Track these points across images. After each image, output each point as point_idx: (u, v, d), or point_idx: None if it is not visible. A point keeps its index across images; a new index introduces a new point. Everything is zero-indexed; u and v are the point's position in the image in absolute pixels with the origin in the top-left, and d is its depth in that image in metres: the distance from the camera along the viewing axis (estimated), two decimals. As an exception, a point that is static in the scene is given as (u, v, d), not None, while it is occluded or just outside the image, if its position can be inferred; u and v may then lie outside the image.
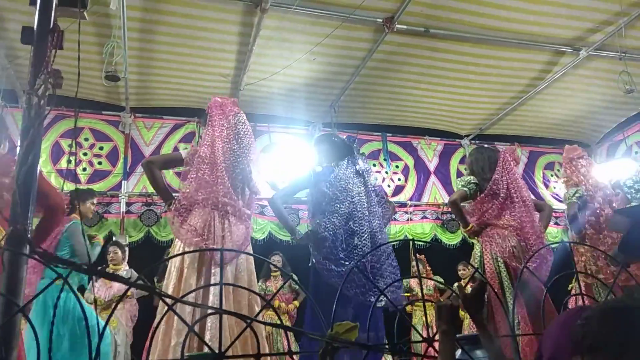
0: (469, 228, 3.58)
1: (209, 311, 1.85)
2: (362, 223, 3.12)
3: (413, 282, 6.52)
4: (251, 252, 3.04)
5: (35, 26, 1.55)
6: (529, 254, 3.28)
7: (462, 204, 3.66)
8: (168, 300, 1.38)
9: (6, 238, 1.34)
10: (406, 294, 6.38)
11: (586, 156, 4.28)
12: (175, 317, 2.47)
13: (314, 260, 3.10)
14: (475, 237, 3.63)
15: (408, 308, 6.34)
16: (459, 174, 7.07)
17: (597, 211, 3.80)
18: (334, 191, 3.19)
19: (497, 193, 3.51)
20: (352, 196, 3.18)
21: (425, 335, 1.73)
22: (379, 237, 3.18)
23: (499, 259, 3.37)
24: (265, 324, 1.60)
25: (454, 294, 1.45)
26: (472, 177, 3.67)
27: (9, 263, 1.33)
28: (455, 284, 6.31)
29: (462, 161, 7.24)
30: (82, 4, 1.67)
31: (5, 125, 2.77)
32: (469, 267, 6.05)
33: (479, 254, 3.50)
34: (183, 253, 2.62)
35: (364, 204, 3.20)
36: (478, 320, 1.41)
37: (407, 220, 6.95)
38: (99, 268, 5.11)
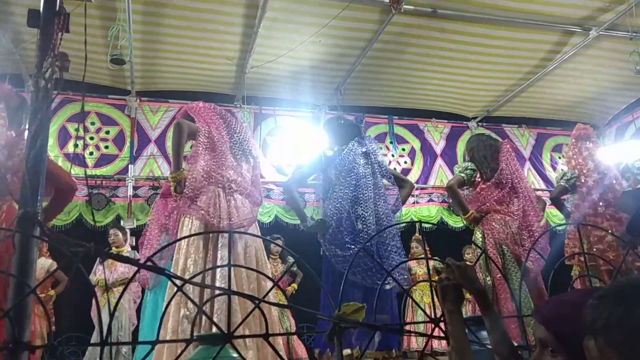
0: (468, 215, 3.59)
1: (217, 292, 1.87)
2: (367, 206, 3.12)
3: (412, 262, 6.53)
4: (257, 230, 3.09)
5: (41, 9, 1.54)
6: (531, 240, 3.32)
7: (460, 191, 3.67)
8: (177, 281, 1.40)
9: (17, 220, 1.35)
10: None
11: (594, 138, 4.22)
12: (183, 296, 2.54)
13: (323, 249, 3.13)
14: (476, 224, 3.64)
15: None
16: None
17: (594, 197, 3.78)
18: (339, 174, 3.20)
19: (503, 183, 3.54)
20: (357, 178, 3.18)
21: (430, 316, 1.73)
22: (385, 219, 3.17)
23: (501, 244, 3.39)
24: (273, 304, 1.62)
25: (449, 269, 1.44)
26: (469, 163, 3.69)
27: (20, 245, 1.34)
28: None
29: (469, 144, 7.19)
30: (87, -14, 1.66)
31: (25, 107, 2.79)
32: (475, 250, 6.05)
33: (480, 239, 3.52)
34: (192, 235, 2.66)
35: (369, 186, 3.20)
36: (482, 300, 1.40)
37: (414, 203, 6.95)
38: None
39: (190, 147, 3.13)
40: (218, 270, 2.64)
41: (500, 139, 4.09)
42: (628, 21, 5.02)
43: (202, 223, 2.81)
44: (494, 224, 3.47)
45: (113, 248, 5.26)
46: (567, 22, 5.21)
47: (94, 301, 4.45)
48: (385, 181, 3.38)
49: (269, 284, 2.85)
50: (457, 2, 4.84)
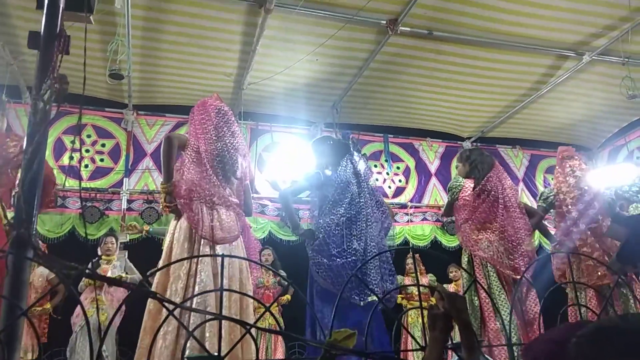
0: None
1: (208, 317, 1.87)
2: (359, 224, 3.17)
3: (407, 280, 6.55)
4: (242, 246, 3.13)
5: (42, 31, 1.57)
6: (515, 256, 3.38)
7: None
8: (169, 306, 1.40)
9: (10, 242, 1.36)
10: (400, 296, 6.43)
11: (577, 158, 4.19)
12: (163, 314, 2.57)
13: (310, 258, 3.17)
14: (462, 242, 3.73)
15: (403, 303, 6.41)
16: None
17: (576, 222, 3.81)
18: (334, 193, 3.24)
19: (489, 191, 3.60)
20: (352, 197, 3.23)
21: (422, 342, 1.74)
22: (375, 240, 3.22)
23: (487, 265, 3.45)
24: (265, 330, 1.62)
25: (440, 296, 1.46)
26: (453, 180, 3.88)
27: (13, 266, 1.34)
28: (446, 286, 6.47)
29: (463, 163, 7.24)
30: (88, 8, 1.69)
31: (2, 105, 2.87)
32: (459, 269, 6.11)
33: (466, 259, 3.59)
34: (186, 258, 2.68)
35: (361, 205, 3.25)
36: (465, 333, 1.41)
37: (407, 221, 6.97)
38: (95, 260, 5.17)
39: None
40: (203, 274, 2.70)
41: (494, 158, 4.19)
42: (621, 47, 5.10)
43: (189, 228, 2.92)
44: (479, 245, 3.54)
45: (103, 257, 5.24)
46: (560, 46, 5.30)
47: (78, 308, 4.57)
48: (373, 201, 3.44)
49: (251, 301, 2.91)
50: (453, 24, 4.92)
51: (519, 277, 3.39)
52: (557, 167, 4.24)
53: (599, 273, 3.46)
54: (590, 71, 5.69)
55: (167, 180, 3.04)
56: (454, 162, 7.33)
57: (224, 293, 2.73)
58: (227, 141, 3.15)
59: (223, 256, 1.44)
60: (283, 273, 5.77)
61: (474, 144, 7.35)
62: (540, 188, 7.49)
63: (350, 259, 3.02)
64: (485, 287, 3.38)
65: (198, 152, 3.06)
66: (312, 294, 3.11)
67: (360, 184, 3.36)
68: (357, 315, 2.92)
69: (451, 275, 6.63)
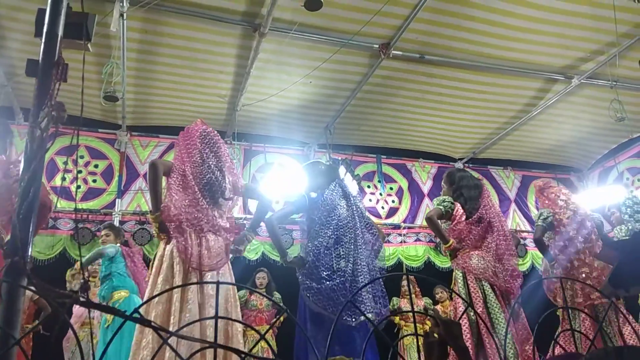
0: (449, 245, 3.68)
1: (205, 345, 1.85)
2: (347, 247, 3.20)
3: (403, 303, 6.53)
4: (230, 271, 3.10)
5: (40, 59, 1.58)
6: (507, 272, 3.41)
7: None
8: (163, 334, 1.39)
9: (4, 270, 1.35)
10: (395, 317, 6.40)
11: (554, 185, 4.41)
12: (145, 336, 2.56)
13: (300, 283, 3.17)
14: (453, 256, 3.72)
15: (401, 323, 6.40)
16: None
17: (573, 240, 3.88)
18: (320, 216, 3.27)
19: (483, 219, 3.64)
20: (339, 220, 3.26)
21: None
22: (365, 262, 3.23)
23: (482, 280, 3.46)
24: (260, 358, 1.61)
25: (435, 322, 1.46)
26: (447, 197, 3.79)
27: (7, 295, 1.33)
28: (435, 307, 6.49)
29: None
30: (86, 36, 1.71)
31: (9, 131, 2.83)
32: (446, 290, 6.13)
33: (461, 277, 3.58)
34: (181, 286, 2.67)
35: (350, 227, 3.28)
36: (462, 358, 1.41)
37: (401, 242, 6.97)
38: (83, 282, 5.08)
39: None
40: (186, 300, 2.71)
41: (481, 179, 4.24)
42: (609, 70, 5.21)
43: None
44: (472, 260, 3.56)
45: (91, 278, 5.15)
46: (550, 70, 5.40)
47: (69, 332, 4.44)
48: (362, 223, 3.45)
49: (238, 326, 2.88)
50: (444, 49, 5.00)
51: (512, 295, 3.45)
52: (541, 199, 4.33)
53: (596, 294, 3.50)
54: (579, 94, 5.80)
55: (157, 210, 2.97)
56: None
57: (210, 322, 2.71)
58: (212, 163, 3.13)
59: (218, 283, 1.44)
60: (278, 295, 5.72)
61: (466, 165, 7.41)
62: (532, 208, 7.54)
63: (338, 281, 3.03)
64: (482, 302, 3.38)
65: (184, 175, 3.02)
66: (304, 319, 3.10)
67: (350, 206, 3.39)
68: (350, 334, 2.95)
69: (437, 296, 6.64)
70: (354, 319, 2.99)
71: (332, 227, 3.21)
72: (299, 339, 3.17)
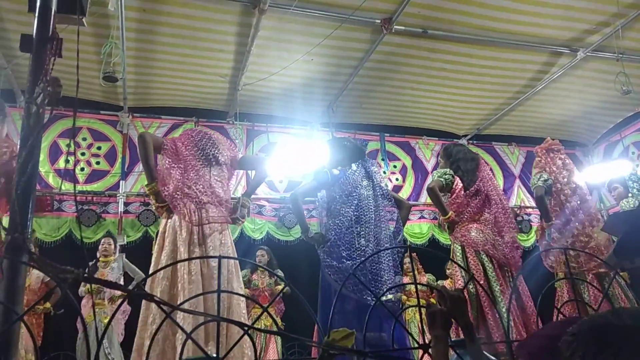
0: (447, 217, 3.69)
1: (207, 318, 1.87)
2: (367, 226, 3.20)
3: (406, 279, 6.55)
4: (230, 237, 3.13)
5: (34, 34, 1.56)
6: (507, 244, 3.42)
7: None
8: (166, 308, 1.40)
9: (5, 246, 1.35)
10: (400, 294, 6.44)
11: (563, 152, 4.36)
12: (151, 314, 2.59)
13: (321, 260, 3.19)
14: (451, 229, 3.75)
15: (403, 298, 6.43)
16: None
17: (568, 210, 3.88)
18: (342, 194, 3.26)
19: (480, 191, 3.68)
20: (360, 199, 3.26)
21: (420, 340, 1.74)
22: (384, 240, 3.25)
23: (480, 252, 3.48)
24: (263, 331, 1.61)
25: (442, 297, 1.47)
26: (447, 169, 3.79)
27: (8, 271, 1.34)
28: (441, 282, 6.50)
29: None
30: (80, 11, 1.68)
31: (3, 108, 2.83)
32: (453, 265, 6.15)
33: (459, 250, 3.60)
34: (184, 260, 2.68)
35: (371, 208, 3.28)
36: (467, 332, 1.42)
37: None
38: (92, 263, 5.16)
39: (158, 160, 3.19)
40: (189, 271, 2.74)
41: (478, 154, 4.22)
42: (614, 43, 5.11)
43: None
44: (471, 234, 3.57)
45: (101, 258, 5.24)
46: (555, 43, 5.31)
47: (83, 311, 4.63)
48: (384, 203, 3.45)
49: (241, 301, 2.93)
50: (447, 23, 4.92)
51: (513, 268, 3.46)
52: (542, 156, 4.27)
53: (598, 260, 3.51)
54: (584, 67, 5.71)
55: (152, 180, 3.02)
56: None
57: (209, 295, 2.74)
58: (203, 136, 3.23)
59: (220, 257, 1.44)
60: (280, 273, 5.75)
61: (470, 141, 7.36)
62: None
63: (359, 261, 3.04)
64: (482, 274, 3.40)
65: (175, 147, 3.09)
66: (328, 293, 3.11)
67: (374, 187, 3.38)
68: (373, 312, 2.97)
69: (448, 272, 6.62)
70: (374, 298, 3.00)
71: (353, 206, 3.23)
72: (322, 311, 3.15)
